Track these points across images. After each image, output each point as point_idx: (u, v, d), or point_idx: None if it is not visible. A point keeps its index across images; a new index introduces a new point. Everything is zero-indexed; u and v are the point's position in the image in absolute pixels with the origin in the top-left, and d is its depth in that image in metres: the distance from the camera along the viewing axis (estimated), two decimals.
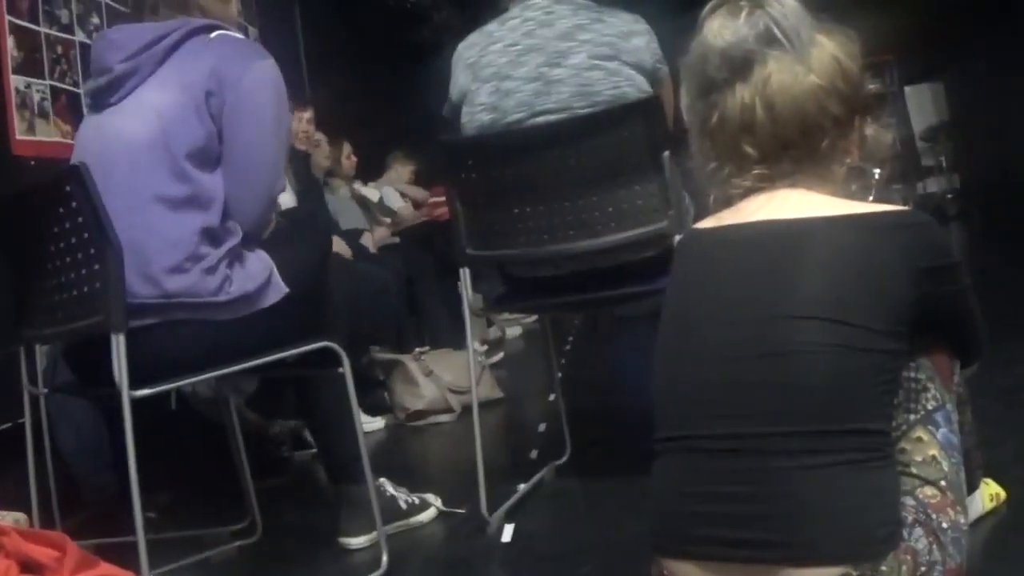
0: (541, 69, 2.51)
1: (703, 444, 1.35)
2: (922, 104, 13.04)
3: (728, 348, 1.36)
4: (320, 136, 5.10)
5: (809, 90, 1.40)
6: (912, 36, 11.66)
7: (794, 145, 1.42)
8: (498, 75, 2.56)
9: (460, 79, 2.64)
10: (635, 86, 2.53)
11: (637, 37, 2.56)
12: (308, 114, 4.87)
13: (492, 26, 2.64)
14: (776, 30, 1.40)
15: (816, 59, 1.41)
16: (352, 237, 4.82)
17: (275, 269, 2.19)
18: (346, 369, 2.25)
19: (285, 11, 6.60)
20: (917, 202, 12.25)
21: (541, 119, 2.50)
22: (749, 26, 1.41)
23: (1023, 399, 2.88)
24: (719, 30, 1.42)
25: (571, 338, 5.53)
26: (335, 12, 7.18)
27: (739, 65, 1.41)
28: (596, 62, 2.50)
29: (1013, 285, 5.72)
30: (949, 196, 12.27)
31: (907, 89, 13.12)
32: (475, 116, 2.60)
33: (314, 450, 3.23)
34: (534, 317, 5.59)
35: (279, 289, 2.18)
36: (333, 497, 2.51)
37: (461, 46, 2.68)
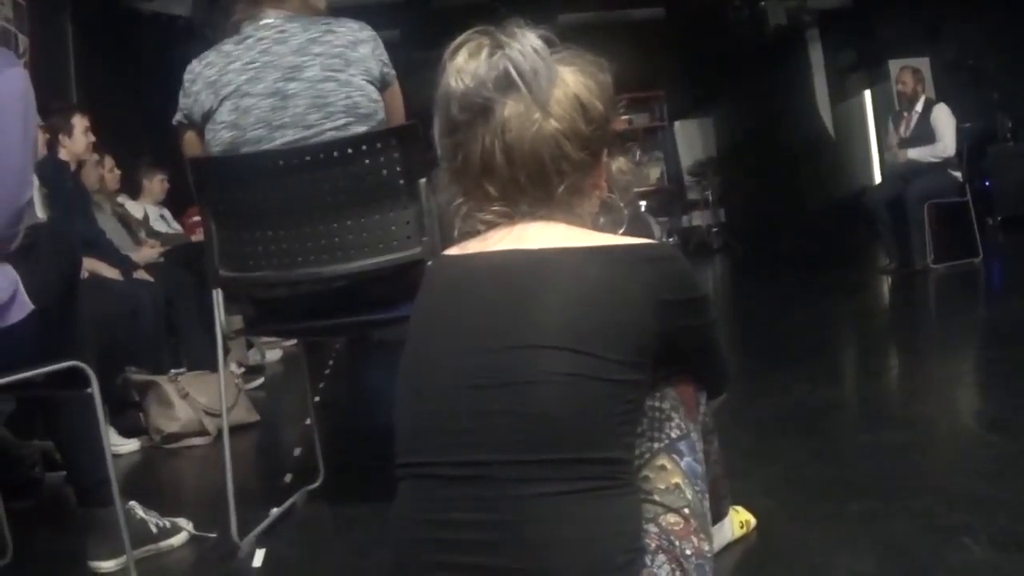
0: (278, 84, 2.52)
1: (441, 471, 1.34)
2: (690, 139, 13.71)
3: (467, 376, 1.34)
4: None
5: (546, 136, 1.40)
6: (682, 73, 12.30)
7: (531, 188, 1.42)
8: (237, 92, 2.55)
9: (202, 97, 2.60)
10: (366, 95, 2.57)
11: (363, 45, 2.59)
12: (87, 122, 4.73)
13: (228, 46, 2.61)
14: (515, 73, 1.38)
15: (556, 102, 1.40)
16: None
17: (21, 285, 2.12)
18: (94, 390, 2.18)
19: (57, 22, 6.38)
20: (682, 235, 12.92)
21: (279, 135, 2.52)
22: (488, 68, 1.38)
23: (773, 429, 3.11)
24: (460, 72, 1.40)
25: (331, 362, 5.57)
26: (107, 25, 7.00)
27: (478, 109, 1.39)
28: (329, 74, 2.53)
29: (771, 318, 6.13)
30: (714, 230, 12.98)
31: (676, 124, 13.77)
32: (217, 134, 2.58)
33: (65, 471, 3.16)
34: (295, 341, 5.60)
35: (24, 306, 2.11)
36: (82, 520, 2.49)
37: (197, 64, 2.63)
